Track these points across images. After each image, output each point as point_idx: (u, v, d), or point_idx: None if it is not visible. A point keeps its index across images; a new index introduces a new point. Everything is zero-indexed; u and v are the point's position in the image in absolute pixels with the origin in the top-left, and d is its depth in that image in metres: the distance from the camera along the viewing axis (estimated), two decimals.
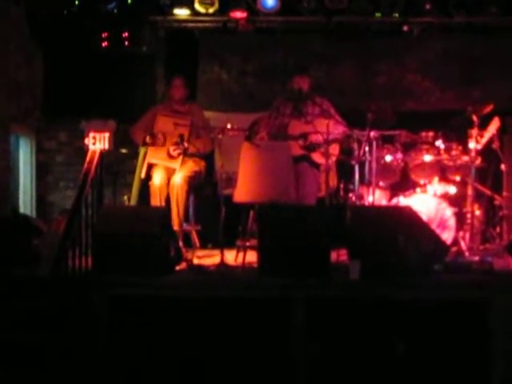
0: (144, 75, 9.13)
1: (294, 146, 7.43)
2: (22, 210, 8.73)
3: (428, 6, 8.58)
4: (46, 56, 9.10)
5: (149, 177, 7.72)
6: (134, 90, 8.93)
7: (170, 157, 7.63)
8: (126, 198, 8.29)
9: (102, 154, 7.00)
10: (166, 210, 7.25)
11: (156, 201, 7.60)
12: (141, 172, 7.81)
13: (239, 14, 8.82)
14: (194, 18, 8.93)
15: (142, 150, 8.04)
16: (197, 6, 8.74)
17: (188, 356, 5.99)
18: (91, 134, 7.12)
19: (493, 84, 9.10)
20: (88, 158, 6.84)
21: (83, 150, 7.20)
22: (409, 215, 6.59)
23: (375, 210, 7.20)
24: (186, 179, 7.59)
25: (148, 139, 7.66)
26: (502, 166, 7.75)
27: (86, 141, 7.13)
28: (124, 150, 8.35)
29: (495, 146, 7.60)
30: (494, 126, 7.52)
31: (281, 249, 6.34)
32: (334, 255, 6.54)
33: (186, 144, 7.58)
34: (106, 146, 7.11)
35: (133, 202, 8.11)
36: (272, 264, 6.36)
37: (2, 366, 5.84)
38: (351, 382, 5.98)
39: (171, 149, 7.62)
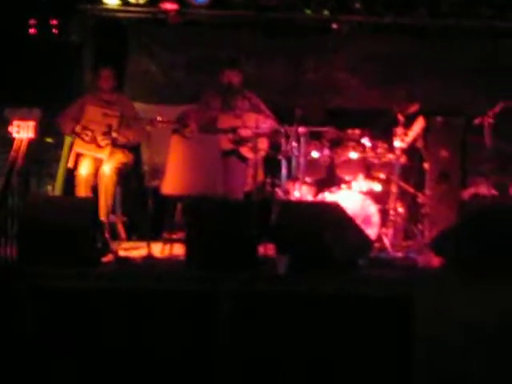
0: (72, 64, 8.97)
1: (222, 139, 7.46)
2: None
3: (358, 5, 8.68)
4: None
5: (75, 167, 7.64)
6: (61, 79, 8.78)
7: (98, 147, 7.57)
8: (50, 187, 8.19)
9: (29, 142, 6.89)
10: (94, 200, 7.19)
11: (81, 191, 7.54)
12: (67, 162, 7.73)
13: (169, 6, 8.77)
14: (124, 7, 8.83)
15: (67, 140, 7.96)
16: None
17: (113, 350, 5.93)
18: (15, 122, 7.01)
19: (418, 84, 9.25)
20: (14, 147, 6.74)
21: (7, 138, 7.08)
22: (335, 211, 6.67)
23: (302, 205, 7.27)
24: (115, 170, 7.55)
25: (78, 129, 7.58)
26: (426, 165, 7.89)
27: (10, 129, 7.02)
28: (49, 140, 8.24)
29: (419, 144, 7.75)
30: (419, 125, 7.67)
31: (208, 242, 6.34)
32: (261, 249, 6.58)
33: (114, 134, 7.53)
34: (31, 135, 7.00)
35: (57, 192, 8.02)
36: (199, 257, 6.37)
37: None
38: (274, 378, 5.99)
39: (99, 138, 7.56)
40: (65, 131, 7.79)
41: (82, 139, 7.59)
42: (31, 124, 7.02)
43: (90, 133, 7.58)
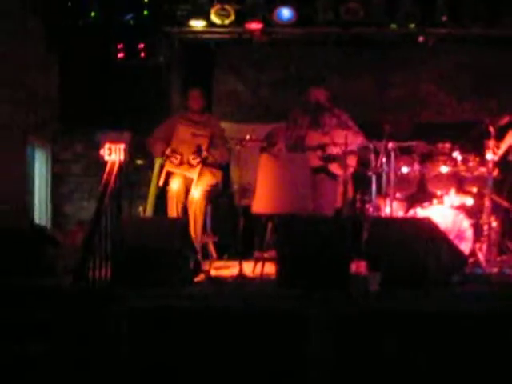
0: (159, 86, 9.12)
1: (311, 157, 7.44)
2: (37, 220, 8.72)
3: (444, 18, 8.56)
4: (62, 67, 9.09)
5: (165, 187, 7.72)
6: (150, 101, 8.93)
7: (190, 166, 7.64)
8: (141, 208, 8.28)
9: (121, 165, 6.99)
10: (185, 220, 7.25)
11: (172, 207, 7.60)
12: (157, 182, 7.80)
13: (255, 26, 8.80)
14: (210, 29, 8.90)
15: (157, 161, 8.04)
16: (213, 18, 8.72)
17: (206, 368, 5.96)
18: (107, 145, 7.12)
19: (509, 95, 9.10)
20: (107, 169, 6.84)
21: (99, 161, 7.20)
22: (428, 226, 6.58)
23: (394, 221, 7.20)
24: (205, 194, 7.61)
25: (168, 152, 7.67)
26: None
27: (102, 152, 7.13)
28: (140, 161, 8.36)
29: None
30: (511, 137, 7.52)
31: (299, 260, 6.33)
32: (353, 267, 6.52)
33: (205, 153, 7.60)
34: (122, 157, 7.10)
35: (149, 213, 8.10)
36: (290, 275, 6.36)
37: (20, 377, 5.83)
38: None
39: (191, 157, 7.63)
40: (155, 154, 7.88)
41: (172, 162, 7.67)
42: (122, 146, 7.11)
43: (179, 156, 7.66)
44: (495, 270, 7.03)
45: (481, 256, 7.35)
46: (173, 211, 7.59)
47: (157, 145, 7.82)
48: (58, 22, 8.71)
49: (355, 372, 5.86)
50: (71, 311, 5.76)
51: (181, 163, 7.67)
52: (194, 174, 7.63)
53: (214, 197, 7.81)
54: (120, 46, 8.97)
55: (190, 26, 8.93)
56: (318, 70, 9.20)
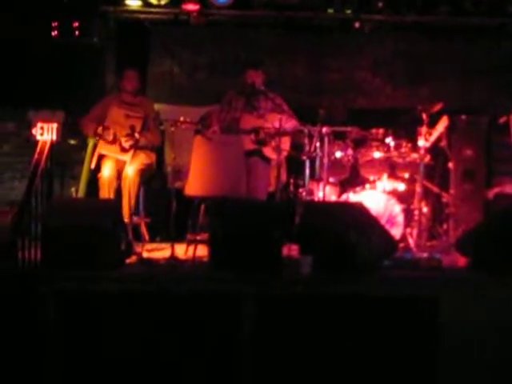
0: (94, 66, 8.99)
1: (245, 140, 7.44)
2: None
3: (380, 4, 8.62)
4: None
5: (98, 169, 7.64)
6: (84, 81, 8.81)
7: (122, 149, 7.58)
8: (73, 189, 8.19)
9: (53, 145, 6.89)
10: (117, 202, 7.19)
11: (105, 193, 7.54)
12: (90, 163, 7.72)
13: (191, 7, 8.75)
14: (146, 9, 8.82)
15: (91, 142, 7.97)
16: None
17: (137, 353, 5.92)
18: (39, 125, 7.01)
19: (442, 83, 9.21)
20: (38, 149, 6.73)
21: (30, 140, 7.09)
22: (360, 211, 6.64)
23: (327, 205, 7.24)
24: (138, 172, 7.55)
25: (100, 130, 7.58)
26: (450, 164, 7.85)
27: (34, 131, 7.02)
28: (72, 142, 8.26)
29: (443, 144, 7.70)
30: (443, 124, 7.61)
31: (232, 243, 6.32)
32: (285, 250, 6.54)
33: (137, 135, 7.53)
34: (55, 137, 7.01)
35: (81, 193, 8.02)
36: (223, 258, 6.36)
37: None
38: (299, 379, 5.96)
39: (123, 140, 7.56)
40: (87, 133, 7.79)
41: (105, 140, 7.59)
42: (54, 126, 7.01)
43: (112, 132, 7.57)
44: (425, 254, 7.11)
45: (411, 241, 7.45)
46: (105, 196, 7.51)
47: (89, 124, 7.72)
48: None
49: (287, 353, 5.88)
50: None
51: (114, 141, 7.58)
52: (127, 157, 7.57)
53: (147, 176, 7.75)
54: (54, 24, 8.82)
55: (125, 5, 8.83)
56: (255, 53, 9.17)
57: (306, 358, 5.84)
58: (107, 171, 7.54)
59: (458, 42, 9.27)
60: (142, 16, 9.05)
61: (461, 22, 8.90)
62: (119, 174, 7.57)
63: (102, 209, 6.56)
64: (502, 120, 7.64)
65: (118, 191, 7.55)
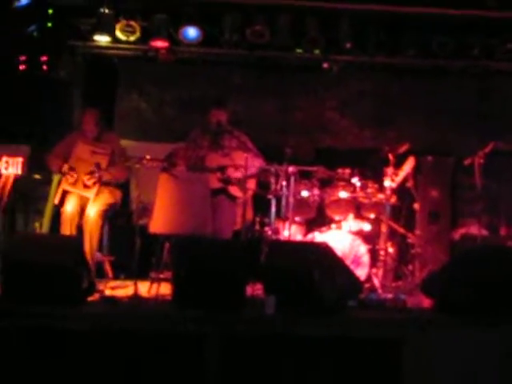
0: (61, 101, 8.96)
1: (211, 178, 7.41)
2: None
3: (349, 45, 8.67)
4: None
5: (62, 204, 7.56)
6: (50, 116, 8.76)
7: (85, 186, 7.50)
8: (37, 224, 8.11)
9: (16, 179, 6.84)
10: (79, 239, 7.11)
11: (67, 229, 7.45)
12: (54, 198, 7.65)
13: (160, 44, 8.75)
14: (115, 45, 8.81)
15: (56, 177, 7.89)
16: (118, 34, 8.63)
17: None
18: (4, 159, 6.98)
19: (408, 124, 9.29)
20: (1, 183, 6.68)
21: None
22: (325, 251, 6.61)
23: (291, 244, 7.22)
24: (100, 213, 7.48)
25: (65, 168, 7.51)
26: (416, 205, 7.88)
27: None
28: (37, 176, 8.18)
29: (410, 184, 7.75)
30: (409, 165, 7.66)
31: (195, 281, 6.26)
32: (249, 289, 6.51)
33: (99, 173, 7.47)
34: (19, 171, 6.96)
35: (45, 229, 7.95)
36: (186, 297, 6.29)
37: None
38: None
39: (85, 178, 7.49)
40: (52, 169, 7.71)
41: (67, 180, 7.52)
42: (20, 160, 6.98)
43: (75, 174, 7.49)
44: (390, 295, 7.10)
45: (376, 281, 7.45)
46: (66, 233, 7.43)
47: (54, 161, 7.66)
48: None
49: None
50: None
51: (76, 182, 7.52)
52: (90, 193, 7.49)
53: (110, 216, 7.68)
54: (22, 57, 8.77)
55: (94, 41, 8.81)
56: (222, 91, 9.20)
57: None
58: (70, 207, 7.46)
59: (424, 83, 9.38)
60: (111, 52, 9.04)
61: (427, 64, 8.98)
62: (82, 211, 7.49)
63: (65, 246, 6.47)
64: (468, 161, 7.68)
65: (81, 228, 7.46)
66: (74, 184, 7.52)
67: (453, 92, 9.37)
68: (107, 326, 5.96)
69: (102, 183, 7.54)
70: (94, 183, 7.50)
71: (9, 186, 6.73)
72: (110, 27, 8.66)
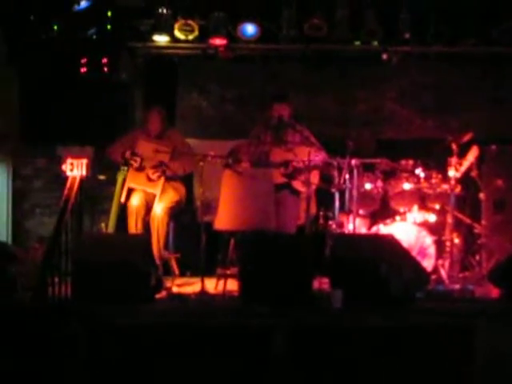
0: (123, 102, 9.05)
1: (274, 173, 7.42)
2: None
3: (407, 35, 8.60)
4: (22, 81, 8.98)
5: (127, 201, 7.64)
6: (112, 117, 8.86)
7: (150, 180, 7.56)
8: (103, 225, 8.19)
9: (82, 180, 6.93)
10: (146, 237, 7.18)
11: (132, 221, 7.53)
12: (119, 198, 7.71)
13: (219, 41, 8.78)
14: (174, 44, 8.85)
15: (120, 177, 7.96)
16: (176, 33, 8.68)
17: None
18: (69, 161, 7.07)
19: (471, 113, 9.17)
20: (68, 185, 6.79)
21: (60, 176, 7.14)
22: (391, 243, 6.60)
23: (357, 238, 7.20)
24: (167, 210, 7.54)
25: (128, 154, 7.57)
26: (481, 195, 7.78)
27: (64, 167, 7.07)
28: (102, 177, 8.29)
29: (474, 174, 7.65)
30: (473, 154, 7.57)
31: (262, 277, 6.29)
32: (315, 283, 6.51)
33: (164, 167, 7.53)
34: (84, 173, 7.05)
35: (110, 229, 8.01)
36: (253, 292, 6.32)
37: None
38: None
39: (150, 172, 7.55)
40: (115, 158, 7.76)
41: (131, 166, 7.58)
42: (84, 162, 7.07)
43: (138, 159, 7.55)
44: (457, 286, 7.05)
45: (443, 273, 7.38)
46: (133, 227, 7.52)
47: (116, 150, 7.74)
48: (19, 35, 8.59)
49: None
50: (30, 328, 5.66)
51: (140, 168, 7.58)
52: (156, 189, 7.55)
53: (176, 213, 7.73)
54: (83, 60, 8.88)
55: (153, 42, 8.87)
56: (282, 86, 9.19)
57: None
58: (135, 201, 7.53)
59: (485, 72, 9.24)
60: (170, 51, 9.09)
61: (488, 52, 8.85)
62: (148, 206, 7.56)
63: (132, 244, 6.58)
64: None
65: (147, 225, 7.53)
66: (140, 178, 7.58)
67: None
68: (177, 322, 6.02)
69: (167, 179, 7.58)
70: (159, 177, 7.54)
71: (75, 188, 6.80)
72: (168, 27, 8.71)
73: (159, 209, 7.50)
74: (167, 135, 7.89)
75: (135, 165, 7.59)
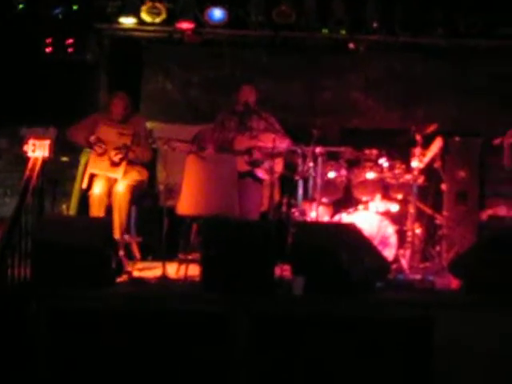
0: (87, 83, 8.97)
1: (238, 161, 7.40)
2: None
3: (375, 25, 8.61)
4: None
5: (89, 188, 7.57)
6: (77, 98, 8.77)
7: (112, 164, 7.47)
8: (64, 207, 8.15)
9: (44, 161, 6.86)
10: (108, 220, 7.12)
11: (95, 210, 7.45)
12: (81, 181, 7.65)
13: (186, 25, 8.72)
14: (140, 27, 8.79)
15: (83, 159, 7.91)
16: (143, 15, 8.61)
17: (127, 372, 5.87)
18: (31, 141, 7.00)
19: (436, 104, 9.22)
20: (30, 165, 6.72)
21: (22, 157, 7.07)
22: (352, 232, 6.61)
23: (319, 226, 7.21)
24: (129, 188, 7.45)
25: (92, 139, 7.48)
26: (443, 186, 7.83)
27: (26, 148, 7.00)
28: (65, 159, 8.23)
29: (437, 165, 7.68)
30: (437, 145, 7.61)
31: (223, 263, 6.28)
32: (277, 270, 6.51)
33: (127, 149, 7.46)
34: (46, 154, 6.98)
35: (72, 211, 7.97)
36: (215, 278, 6.30)
37: None
38: None
39: (112, 153, 7.45)
40: (77, 141, 7.66)
41: (95, 151, 7.50)
42: (47, 143, 7.00)
43: (103, 145, 7.47)
44: (418, 276, 7.08)
45: (404, 262, 7.42)
46: (96, 215, 7.44)
47: (79, 133, 7.62)
48: None
49: (275, 375, 5.83)
50: None
51: (103, 153, 7.51)
52: (117, 174, 7.47)
53: (138, 193, 7.63)
54: (48, 40, 8.78)
55: (120, 23, 8.80)
56: (249, 72, 9.18)
57: (294, 379, 5.80)
58: (98, 189, 7.45)
59: (452, 63, 9.29)
60: (136, 34, 9.02)
61: (455, 43, 8.89)
62: (110, 193, 7.49)
63: (93, 227, 6.52)
64: (496, 141, 7.64)
65: (109, 210, 7.47)
66: (102, 163, 7.50)
67: (480, 72, 9.28)
68: (137, 307, 6.00)
69: (129, 162, 7.51)
70: (121, 159, 7.45)
71: (37, 169, 6.74)
72: (135, 9, 8.65)
73: (121, 186, 7.40)
74: (130, 121, 7.80)
75: (99, 151, 7.50)
